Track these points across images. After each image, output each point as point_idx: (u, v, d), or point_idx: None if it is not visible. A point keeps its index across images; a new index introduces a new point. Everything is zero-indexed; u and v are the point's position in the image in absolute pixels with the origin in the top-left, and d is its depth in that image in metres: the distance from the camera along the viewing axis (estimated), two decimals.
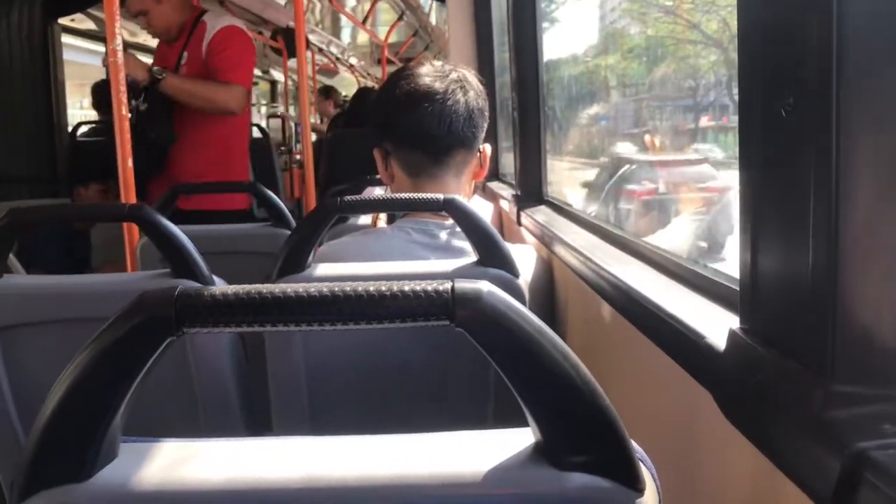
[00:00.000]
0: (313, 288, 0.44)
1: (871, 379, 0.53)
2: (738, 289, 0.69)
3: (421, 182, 1.37)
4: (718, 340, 0.70)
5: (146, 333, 0.45)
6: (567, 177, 2.52)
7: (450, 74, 1.36)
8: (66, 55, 4.39)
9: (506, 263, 1.16)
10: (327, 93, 7.40)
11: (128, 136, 1.96)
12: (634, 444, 0.47)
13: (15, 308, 1.26)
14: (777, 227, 0.60)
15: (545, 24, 2.20)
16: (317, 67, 8.44)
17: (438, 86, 1.33)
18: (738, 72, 0.65)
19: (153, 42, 3.44)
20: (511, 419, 0.50)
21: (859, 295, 0.53)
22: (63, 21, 4.37)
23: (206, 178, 2.74)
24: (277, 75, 9.65)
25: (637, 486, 0.46)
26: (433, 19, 7.83)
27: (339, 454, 0.49)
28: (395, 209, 1.46)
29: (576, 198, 2.42)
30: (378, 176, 1.47)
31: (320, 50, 8.08)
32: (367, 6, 6.97)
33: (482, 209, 1.94)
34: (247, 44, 2.88)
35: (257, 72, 9.40)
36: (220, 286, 0.45)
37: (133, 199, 1.97)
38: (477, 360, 1.09)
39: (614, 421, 0.46)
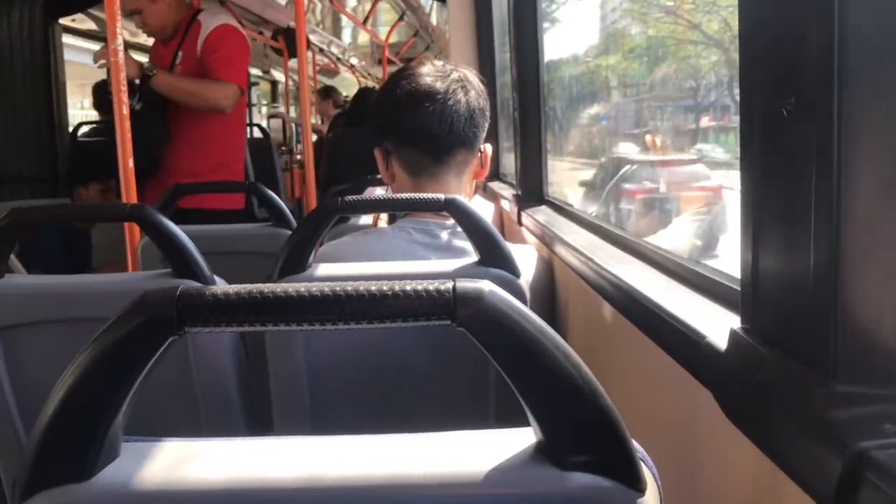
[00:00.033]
0: (315, 287, 0.44)
1: (872, 379, 0.53)
2: (739, 288, 0.69)
3: (422, 182, 1.37)
4: (719, 340, 0.70)
5: (148, 333, 0.45)
6: (567, 177, 2.52)
7: (451, 74, 1.36)
8: (67, 55, 4.39)
9: (507, 263, 1.16)
10: (326, 93, 7.39)
11: (128, 135, 1.96)
12: (636, 444, 0.47)
13: (16, 308, 1.26)
14: (778, 226, 0.60)
15: (546, 25, 2.20)
16: (317, 68, 8.44)
17: (440, 85, 1.33)
18: (739, 72, 0.65)
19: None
20: (512, 419, 0.50)
21: (860, 295, 0.53)
22: (64, 21, 4.38)
23: (201, 177, 2.73)
24: (278, 75, 9.65)
25: (638, 486, 0.46)
26: (434, 19, 7.83)
27: (340, 454, 0.49)
28: (396, 209, 1.46)
29: (575, 197, 2.42)
30: (379, 176, 1.47)
31: (321, 50, 8.07)
32: (367, 6, 6.97)
33: (483, 209, 1.94)
34: (241, 43, 2.87)
35: (258, 72, 9.40)
36: (221, 286, 0.45)
37: (134, 199, 1.98)
38: (478, 360, 1.09)
39: (615, 420, 0.46)
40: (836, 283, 0.52)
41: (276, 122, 8.55)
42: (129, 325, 0.45)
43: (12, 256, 1.32)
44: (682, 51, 1.82)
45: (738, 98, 0.67)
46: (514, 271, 1.17)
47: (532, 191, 2.11)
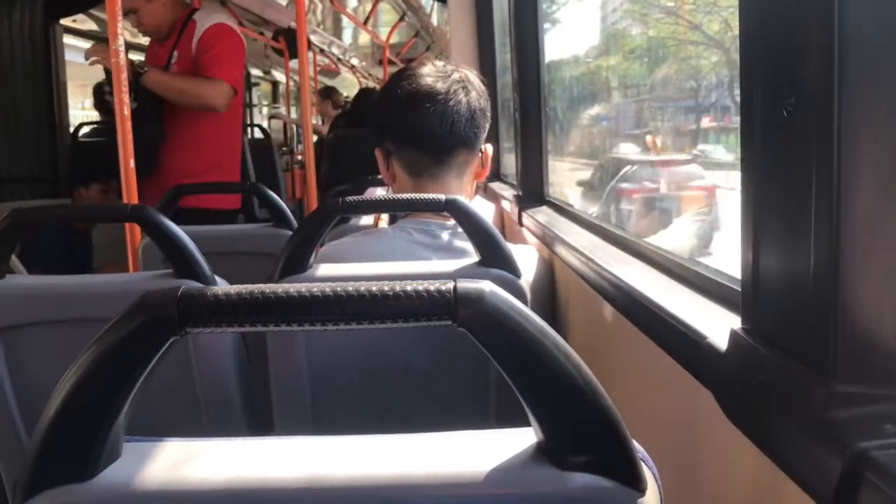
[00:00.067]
0: (316, 288, 0.44)
1: (872, 379, 0.53)
2: (739, 289, 0.69)
3: (422, 182, 1.37)
4: (720, 340, 0.70)
5: (149, 333, 0.45)
6: (568, 177, 2.52)
7: (452, 75, 1.36)
8: (68, 56, 4.39)
9: (507, 264, 1.17)
10: (326, 93, 7.39)
11: (129, 136, 1.96)
12: (636, 444, 0.47)
13: (17, 308, 1.26)
14: (778, 227, 0.60)
15: (546, 25, 2.20)
16: (318, 68, 8.44)
17: (440, 86, 1.33)
18: (739, 72, 0.65)
19: None
20: (513, 419, 0.50)
21: (860, 295, 0.53)
22: (65, 22, 4.38)
23: (195, 176, 2.72)
24: (279, 76, 9.65)
25: (639, 486, 0.46)
26: (434, 20, 7.83)
27: (341, 454, 0.49)
28: (397, 210, 1.46)
29: (575, 197, 2.43)
30: (379, 176, 1.47)
31: (322, 51, 8.08)
32: (368, 7, 6.96)
33: (484, 209, 1.95)
34: (236, 42, 2.86)
35: (259, 73, 9.41)
36: (222, 286, 0.45)
37: (135, 200, 1.98)
38: (479, 360, 1.09)
39: (616, 421, 0.46)
40: (836, 283, 0.53)
41: (278, 123, 8.56)
42: (130, 325, 0.45)
43: (13, 257, 1.32)
44: (682, 51, 1.82)
45: (738, 99, 0.67)
46: (515, 272, 1.17)
47: (533, 191, 2.11)
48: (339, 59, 9.10)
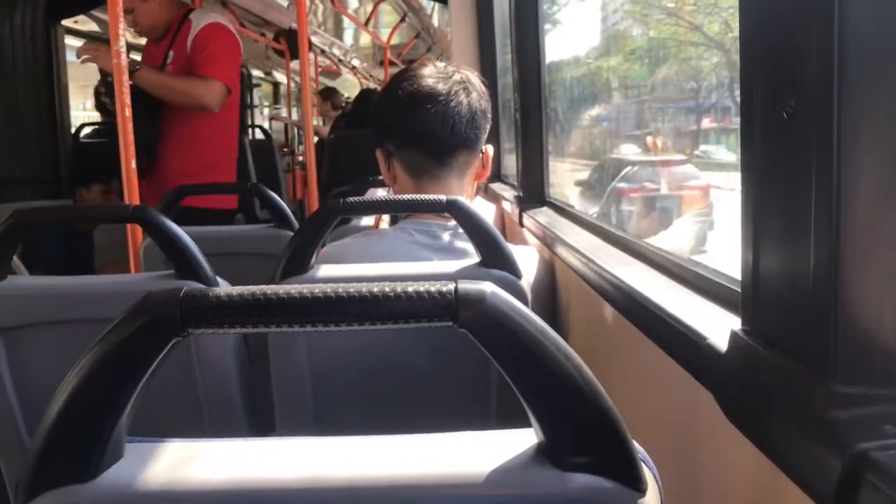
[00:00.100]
0: (317, 289, 0.45)
1: (872, 379, 0.53)
2: (739, 290, 0.69)
3: (423, 183, 1.38)
4: (720, 341, 0.70)
5: (151, 334, 0.45)
6: (569, 178, 2.53)
7: (453, 76, 1.36)
8: (69, 57, 4.39)
9: (508, 265, 1.17)
10: (325, 94, 7.39)
11: (131, 137, 1.96)
12: (636, 445, 0.48)
13: (19, 309, 1.26)
14: (778, 228, 0.60)
15: (547, 26, 2.20)
16: (319, 69, 8.44)
17: (441, 87, 1.33)
18: (739, 74, 0.65)
19: None
20: (514, 420, 0.50)
21: (860, 296, 0.53)
22: (66, 23, 4.38)
23: (191, 176, 2.71)
24: (280, 77, 9.66)
25: (639, 487, 0.46)
26: (435, 21, 7.83)
27: (342, 455, 0.49)
28: (398, 210, 1.46)
29: (575, 196, 2.43)
30: (380, 177, 1.47)
31: (323, 52, 8.08)
32: (369, 8, 6.97)
33: (484, 210, 1.95)
34: (230, 41, 2.85)
35: (260, 74, 9.41)
36: (224, 287, 0.45)
37: (137, 201, 1.98)
38: (480, 361, 1.09)
39: (616, 422, 0.46)
40: (836, 283, 0.53)
41: (279, 124, 8.56)
42: (133, 326, 0.45)
43: (15, 258, 1.32)
44: (683, 52, 1.82)
45: (738, 99, 0.67)
46: (516, 272, 1.17)
47: (533, 192, 2.11)
48: (340, 60, 9.11)
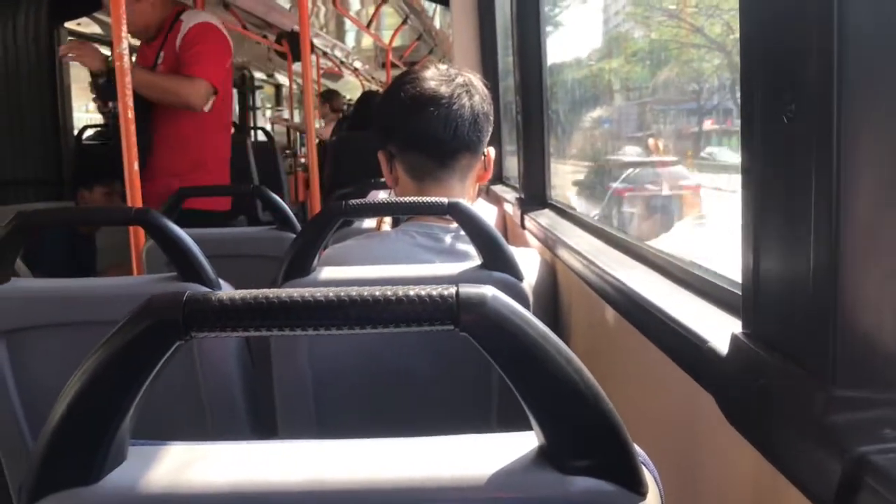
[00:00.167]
0: (319, 293, 0.45)
1: (871, 383, 0.53)
2: (740, 293, 0.69)
3: (425, 185, 1.38)
4: (721, 344, 0.70)
5: (155, 337, 0.45)
6: (570, 180, 2.53)
7: (455, 79, 1.36)
8: None
9: (510, 267, 1.17)
10: (325, 97, 7.38)
11: (133, 139, 1.97)
12: (637, 448, 0.48)
13: (22, 311, 1.26)
14: (779, 231, 0.60)
15: (549, 28, 2.20)
16: (321, 71, 8.45)
17: (444, 90, 1.34)
18: (740, 77, 0.66)
19: None
20: (514, 423, 0.50)
21: (860, 299, 0.53)
22: (69, 25, 4.39)
23: (181, 176, 2.71)
24: (282, 79, 9.67)
25: (640, 490, 0.46)
26: (437, 23, 7.83)
27: (344, 457, 0.49)
28: (400, 213, 1.46)
29: (574, 196, 2.44)
30: (382, 179, 1.47)
31: (325, 54, 8.09)
32: (371, 10, 6.97)
33: (486, 212, 1.95)
34: (218, 40, 2.83)
35: (262, 75, 9.42)
36: (227, 291, 0.46)
37: (139, 203, 1.98)
38: (481, 364, 1.09)
39: (617, 425, 0.47)
40: (836, 287, 0.53)
41: (281, 125, 8.57)
42: (136, 329, 0.45)
43: (18, 260, 1.32)
44: (684, 54, 1.82)
45: (739, 101, 0.67)
46: (517, 275, 1.17)
47: (535, 194, 2.11)
48: (342, 62, 9.11)
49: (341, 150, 4.43)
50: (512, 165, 2.82)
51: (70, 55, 2.68)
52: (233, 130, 3.29)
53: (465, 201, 1.20)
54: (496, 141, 2.87)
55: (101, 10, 4.29)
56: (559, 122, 2.45)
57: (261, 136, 7.40)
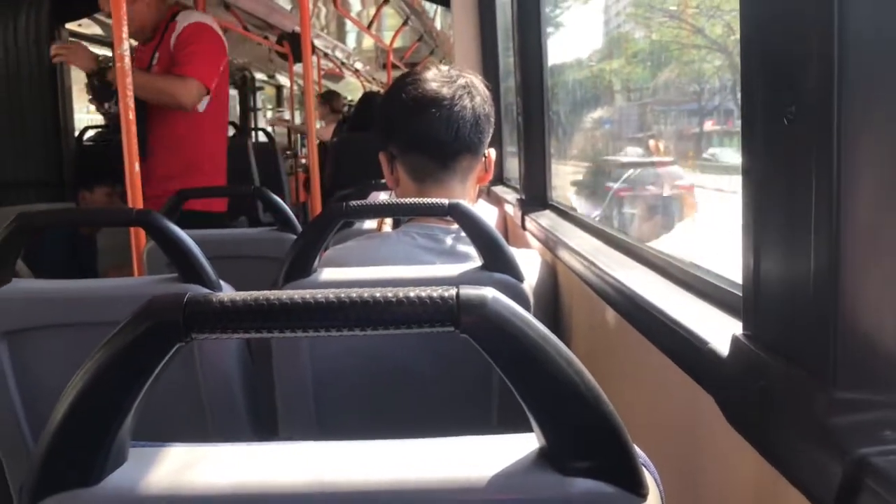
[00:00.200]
0: (320, 294, 0.45)
1: (872, 385, 0.53)
2: (741, 294, 0.69)
3: (426, 187, 1.38)
4: (722, 346, 0.70)
5: (156, 339, 0.45)
6: (570, 180, 2.53)
7: (457, 80, 1.36)
8: None
9: (510, 268, 1.17)
10: (325, 98, 7.38)
11: (134, 140, 1.97)
12: (638, 450, 0.48)
13: (23, 312, 1.27)
14: (779, 233, 0.60)
15: (549, 29, 2.20)
16: (322, 72, 8.45)
17: (446, 91, 1.34)
18: (740, 80, 0.66)
19: None
20: (515, 424, 0.51)
21: (861, 301, 0.53)
22: (70, 26, 4.39)
23: (174, 178, 2.70)
24: (283, 80, 9.67)
25: (640, 492, 0.46)
26: (438, 24, 7.83)
27: (344, 459, 0.49)
28: (401, 214, 1.46)
29: (575, 197, 2.44)
30: (383, 180, 1.47)
31: (326, 55, 8.09)
32: (372, 11, 6.97)
33: (487, 214, 1.95)
34: (212, 40, 2.82)
35: (263, 76, 9.43)
36: (228, 293, 0.46)
37: (140, 204, 1.98)
38: (481, 365, 1.09)
39: (618, 426, 0.47)
40: (836, 289, 0.53)
41: (282, 126, 8.58)
42: (137, 330, 0.45)
43: (19, 260, 1.33)
44: (685, 55, 1.82)
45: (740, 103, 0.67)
46: (518, 276, 1.17)
47: (536, 195, 2.11)
48: (343, 63, 9.11)
49: (342, 152, 4.43)
50: (513, 166, 2.83)
51: (60, 56, 2.68)
52: (233, 132, 3.28)
53: (465, 202, 1.20)
54: (497, 142, 2.87)
55: (100, 12, 4.30)
56: (560, 123, 2.45)
57: (262, 137, 7.40)
